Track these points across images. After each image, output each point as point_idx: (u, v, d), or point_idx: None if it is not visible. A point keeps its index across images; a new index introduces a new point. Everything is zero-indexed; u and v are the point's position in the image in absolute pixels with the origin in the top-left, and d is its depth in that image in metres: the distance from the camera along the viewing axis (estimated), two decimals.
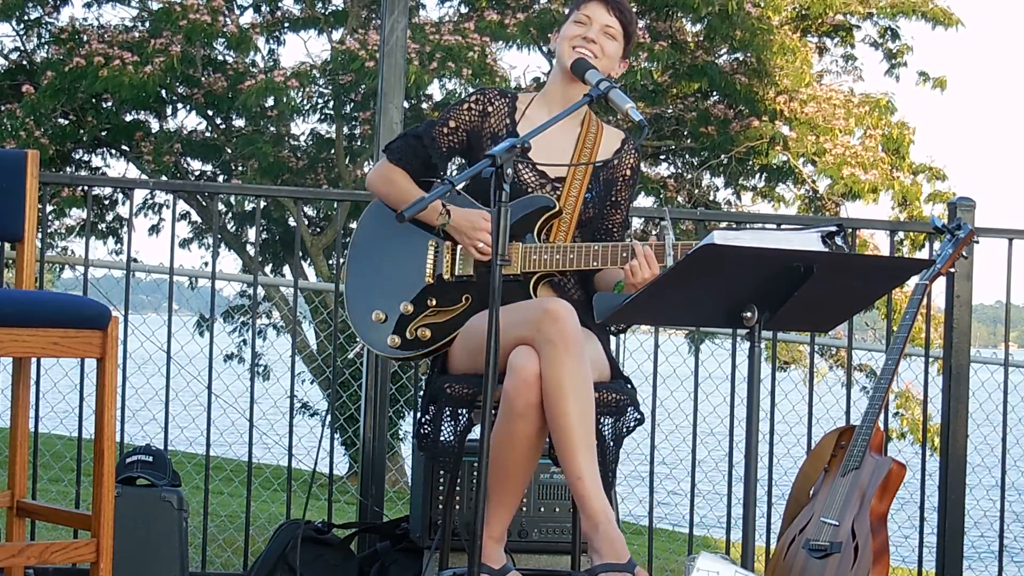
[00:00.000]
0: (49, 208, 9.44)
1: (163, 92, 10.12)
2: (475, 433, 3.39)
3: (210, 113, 10.59)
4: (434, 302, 3.54)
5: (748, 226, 5.31)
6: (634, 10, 11.18)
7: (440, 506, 3.92)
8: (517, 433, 3.27)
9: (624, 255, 3.46)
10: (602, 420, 3.39)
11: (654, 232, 3.73)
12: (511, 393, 3.25)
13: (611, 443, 3.40)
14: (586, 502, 3.21)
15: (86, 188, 9.61)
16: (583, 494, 3.21)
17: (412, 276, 3.57)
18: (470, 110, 3.62)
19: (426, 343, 3.53)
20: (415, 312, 3.55)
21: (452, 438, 3.42)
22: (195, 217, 11.74)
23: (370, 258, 3.62)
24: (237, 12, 10.77)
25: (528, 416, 3.25)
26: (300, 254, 10.11)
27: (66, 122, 10.27)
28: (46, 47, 10.46)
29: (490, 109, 3.62)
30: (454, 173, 3.50)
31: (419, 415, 3.54)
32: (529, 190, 3.56)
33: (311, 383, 10.52)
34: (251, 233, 11.39)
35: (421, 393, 3.66)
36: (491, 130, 3.60)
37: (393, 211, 3.54)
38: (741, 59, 10.65)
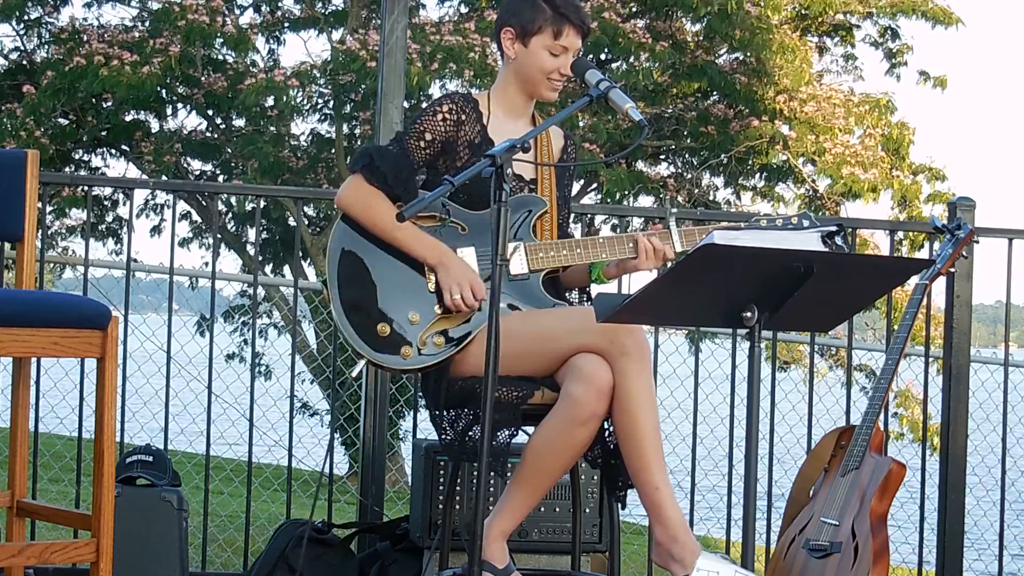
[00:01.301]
0: (49, 208, 9.45)
1: (163, 92, 10.12)
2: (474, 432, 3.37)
3: (210, 113, 10.59)
4: (440, 309, 3.44)
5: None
6: (634, 10, 11.13)
7: (440, 506, 3.92)
8: (575, 439, 3.27)
9: (631, 245, 3.48)
10: None
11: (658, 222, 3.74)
12: (580, 400, 3.23)
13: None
14: (664, 512, 3.22)
15: (86, 188, 9.62)
16: (660, 504, 3.22)
17: (411, 285, 3.45)
18: (445, 120, 3.53)
19: (441, 351, 3.42)
20: (422, 321, 3.42)
21: (502, 441, 3.35)
22: (195, 217, 11.75)
23: (358, 274, 3.47)
24: (237, 12, 10.77)
25: (590, 425, 3.26)
26: (300, 254, 10.11)
27: (66, 122, 10.28)
28: (46, 47, 10.47)
29: (463, 117, 3.54)
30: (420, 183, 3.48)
31: (446, 424, 3.40)
32: (511, 193, 3.53)
33: (311, 383, 10.51)
34: (251, 233, 11.39)
35: (426, 396, 3.56)
36: (467, 138, 3.53)
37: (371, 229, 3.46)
38: (741, 59, 10.66)
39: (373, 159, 3.49)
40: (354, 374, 3.72)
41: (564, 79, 3.54)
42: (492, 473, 3.40)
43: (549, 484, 3.38)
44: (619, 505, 3.49)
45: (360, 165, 3.49)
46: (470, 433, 3.35)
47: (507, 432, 3.34)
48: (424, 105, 3.52)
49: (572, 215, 3.80)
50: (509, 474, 3.38)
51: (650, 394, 3.26)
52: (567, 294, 3.66)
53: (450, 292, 3.41)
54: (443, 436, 3.40)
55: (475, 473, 3.70)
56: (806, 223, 3.44)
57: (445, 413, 3.40)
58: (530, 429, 3.39)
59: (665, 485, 3.24)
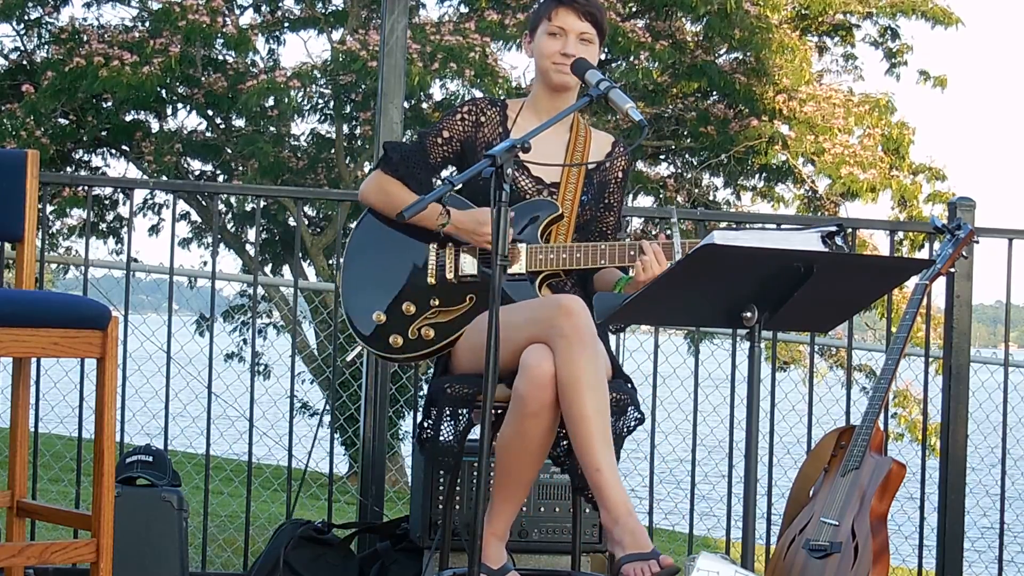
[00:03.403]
0: (49, 208, 9.46)
1: (163, 92, 10.12)
2: (474, 433, 3.39)
3: (210, 113, 10.59)
4: (437, 302, 3.54)
5: (748, 226, 5.31)
6: (633, 10, 11.12)
7: (440, 506, 3.92)
8: (529, 432, 3.27)
9: (632, 253, 3.48)
10: None
11: (654, 232, 3.76)
12: (524, 393, 3.24)
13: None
14: (605, 493, 3.20)
15: (86, 188, 9.62)
16: (602, 486, 3.20)
17: (413, 277, 3.56)
18: (463, 120, 3.62)
19: (429, 343, 3.52)
20: (417, 312, 3.53)
21: (452, 438, 3.42)
22: (195, 217, 11.75)
23: (367, 262, 3.60)
24: (237, 12, 10.77)
25: (541, 416, 3.25)
26: (300, 254, 10.11)
27: (66, 122, 10.27)
28: (46, 47, 10.46)
29: (483, 119, 3.62)
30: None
31: (420, 417, 3.52)
32: (527, 196, 3.57)
33: (311, 383, 10.52)
34: (251, 233, 11.39)
35: (423, 394, 3.65)
36: (485, 140, 3.61)
37: (388, 218, 3.57)
38: (740, 58, 10.66)
39: (388, 152, 3.64)
40: (348, 358, 3.79)
41: (567, 60, 3.55)
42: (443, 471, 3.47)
43: (526, 480, 3.37)
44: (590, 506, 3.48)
45: (379, 159, 3.67)
46: (428, 431, 3.42)
47: (453, 429, 3.38)
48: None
49: (620, 222, 3.79)
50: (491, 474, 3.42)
51: (593, 375, 3.22)
52: None
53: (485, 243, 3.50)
54: (421, 434, 3.48)
55: (475, 473, 3.72)
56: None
57: (429, 412, 3.48)
58: None
59: (607, 467, 3.20)
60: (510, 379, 3.32)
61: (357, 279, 3.60)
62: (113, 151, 11.31)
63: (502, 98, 3.76)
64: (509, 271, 3.50)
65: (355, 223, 3.67)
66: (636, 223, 10.95)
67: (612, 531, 3.19)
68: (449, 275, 3.55)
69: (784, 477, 5.97)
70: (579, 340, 3.23)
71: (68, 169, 10.83)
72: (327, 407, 4.87)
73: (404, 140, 3.70)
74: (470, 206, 3.57)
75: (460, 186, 3.14)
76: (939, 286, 4.43)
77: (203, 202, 11.16)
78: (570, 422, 3.23)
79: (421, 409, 3.55)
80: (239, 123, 10.84)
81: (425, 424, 3.47)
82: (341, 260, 3.61)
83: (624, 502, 3.20)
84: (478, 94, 9.54)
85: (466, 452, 3.48)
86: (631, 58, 10.08)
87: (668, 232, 3.51)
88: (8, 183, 3.49)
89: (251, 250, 10.93)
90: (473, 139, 3.61)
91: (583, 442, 3.21)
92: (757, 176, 11.50)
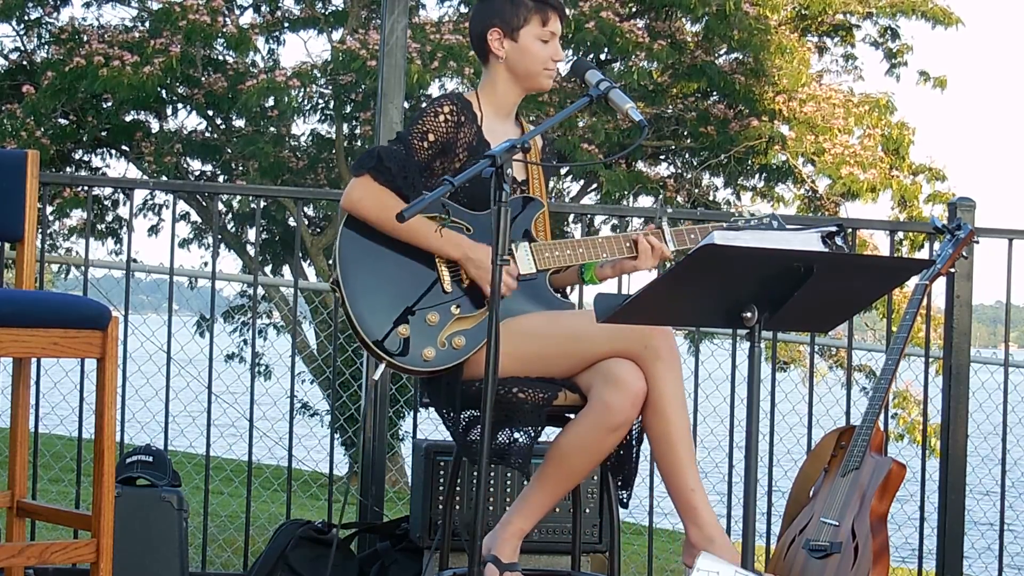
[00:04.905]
0: (50, 209, 9.46)
1: (163, 92, 10.12)
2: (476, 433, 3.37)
3: (210, 113, 10.60)
4: (457, 309, 3.41)
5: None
6: (633, 10, 11.10)
7: (440, 506, 3.92)
8: (604, 444, 3.30)
9: (628, 245, 3.50)
10: None
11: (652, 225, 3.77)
12: (616, 407, 3.25)
13: (634, 443, 3.42)
14: (700, 513, 3.27)
15: (86, 188, 9.62)
16: (696, 506, 3.27)
17: (426, 286, 3.42)
18: (447, 121, 3.49)
19: (462, 351, 3.39)
20: (441, 321, 3.39)
21: (527, 442, 3.34)
22: (195, 217, 11.75)
23: (367, 275, 3.42)
24: (237, 12, 10.78)
25: (621, 431, 3.29)
26: (300, 254, 10.11)
27: (66, 122, 10.28)
28: (46, 47, 10.47)
29: (462, 119, 3.51)
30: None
31: (462, 426, 3.39)
32: None
33: (311, 383, 10.52)
34: (251, 233, 11.39)
35: (436, 397, 3.51)
36: (465, 139, 3.50)
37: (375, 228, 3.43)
38: (740, 59, 10.66)
39: (382, 159, 3.43)
40: (376, 376, 3.67)
41: (557, 65, 3.57)
42: (518, 473, 3.44)
43: (572, 486, 3.41)
44: (620, 505, 3.50)
45: (368, 166, 3.43)
46: (498, 437, 3.35)
47: (531, 433, 3.34)
48: (423, 105, 3.46)
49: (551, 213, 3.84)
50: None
51: (682, 398, 3.31)
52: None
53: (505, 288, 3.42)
54: (463, 439, 3.37)
55: (475, 473, 3.70)
56: (775, 224, 3.48)
57: (461, 415, 3.39)
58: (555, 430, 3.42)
59: (699, 487, 3.29)
60: (571, 386, 3.35)
61: (365, 295, 3.39)
62: (113, 151, 11.32)
63: (460, 93, 3.67)
64: (522, 272, 3.48)
65: (338, 236, 3.46)
66: (636, 223, 10.95)
67: (709, 549, 3.23)
68: (464, 281, 3.44)
69: (784, 477, 5.97)
70: (673, 362, 3.31)
71: (68, 169, 10.84)
72: (329, 408, 4.87)
73: (388, 144, 3.54)
74: (462, 210, 3.48)
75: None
76: (939, 286, 4.43)
77: (203, 202, 11.16)
78: (660, 442, 3.30)
79: (462, 415, 3.40)
80: (239, 123, 10.84)
81: (495, 431, 3.33)
82: (337, 275, 3.42)
83: (717, 522, 3.29)
84: None
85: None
86: (630, 58, 10.08)
87: (657, 221, 3.53)
88: (8, 183, 3.49)
89: (251, 250, 10.93)
90: (454, 140, 3.49)
91: (676, 463, 3.28)
92: (757, 176, 11.50)
